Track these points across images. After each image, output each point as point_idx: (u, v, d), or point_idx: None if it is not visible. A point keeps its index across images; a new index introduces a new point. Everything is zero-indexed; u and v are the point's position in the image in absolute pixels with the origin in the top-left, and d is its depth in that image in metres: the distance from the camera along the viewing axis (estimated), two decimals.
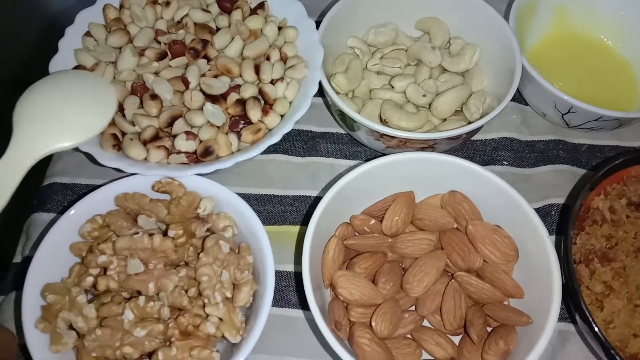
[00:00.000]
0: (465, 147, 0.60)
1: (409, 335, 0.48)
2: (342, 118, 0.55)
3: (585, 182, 0.46)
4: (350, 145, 0.60)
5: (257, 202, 0.57)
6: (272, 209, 0.57)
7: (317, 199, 0.53)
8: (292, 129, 0.60)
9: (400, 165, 0.49)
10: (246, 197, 0.57)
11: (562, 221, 0.55)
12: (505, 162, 0.59)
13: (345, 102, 0.55)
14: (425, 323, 0.49)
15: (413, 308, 0.49)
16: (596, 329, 0.41)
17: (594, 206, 0.48)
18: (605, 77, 0.63)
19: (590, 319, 0.41)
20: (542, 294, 0.44)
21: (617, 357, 0.40)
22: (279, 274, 0.53)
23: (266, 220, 0.56)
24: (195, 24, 0.55)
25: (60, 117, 0.35)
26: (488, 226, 0.48)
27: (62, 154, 0.59)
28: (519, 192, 0.56)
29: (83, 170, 0.58)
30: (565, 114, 0.56)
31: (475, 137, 0.61)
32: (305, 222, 0.55)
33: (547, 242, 0.44)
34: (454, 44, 0.60)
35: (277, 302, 0.52)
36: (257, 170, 0.58)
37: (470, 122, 0.53)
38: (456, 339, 0.48)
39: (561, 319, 0.51)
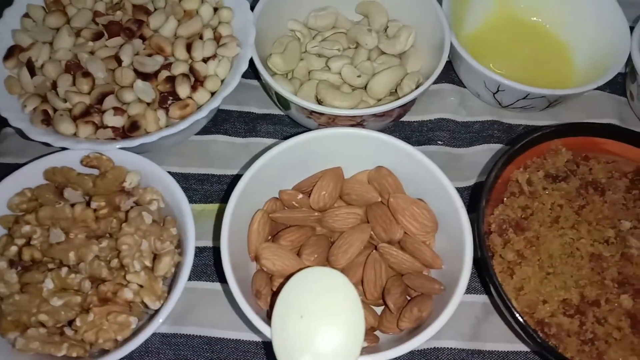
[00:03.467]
0: (403, 128, 0.61)
1: None
2: (277, 97, 0.56)
3: (501, 155, 0.47)
4: (291, 126, 0.61)
5: (196, 181, 0.58)
6: (210, 187, 0.58)
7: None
8: (234, 110, 0.62)
9: (326, 141, 0.50)
10: (186, 177, 0.58)
11: None
12: (440, 142, 0.60)
13: (280, 82, 0.57)
14: None
15: None
16: (496, 290, 0.42)
17: (513, 179, 0.49)
18: (545, 59, 0.64)
19: (497, 285, 0.42)
20: (457, 263, 0.45)
21: (521, 319, 0.41)
22: (215, 250, 0.54)
23: (203, 198, 0.57)
24: (133, 5, 0.56)
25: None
26: (408, 199, 0.49)
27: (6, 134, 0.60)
28: (452, 170, 0.58)
29: (26, 151, 0.59)
30: (496, 92, 0.57)
31: (413, 118, 0.62)
32: None
33: (462, 213, 0.46)
34: (391, 27, 0.62)
35: (209, 276, 0.53)
36: (198, 151, 0.59)
37: None
38: (380, 310, 0.49)
39: (487, 291, 0.52)
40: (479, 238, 0.44)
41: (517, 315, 0.41)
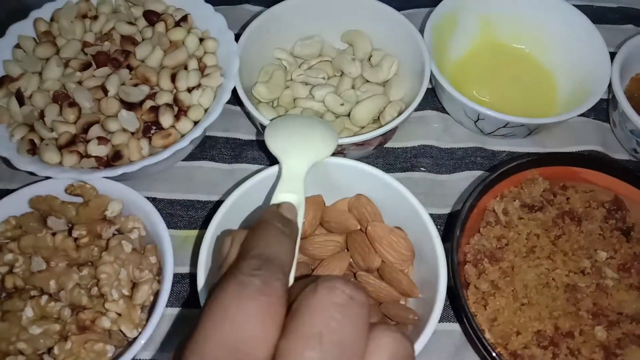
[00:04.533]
0: (387, 154, 0.62)
1: None
2: (260, 125, 0.57)
3: (476, 185, 0.48)
4: None
5: (181, 207, 0.59)
6: (195, 214, 0.58)
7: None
8: (220, 137, 0.63)
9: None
10: (171, 203, 0.59)
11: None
12: (423, 169, 0.61)
13: (264, 110, 0.58)
14: None
15: None
16: (468, 321, 0.42)
17: (489, 208, 0.50)
18: (528, 86, 0.65)
19: (468, 316, 0.42)
20: (433, 293, 0.45)
21: (492, 351, 0.41)
22: (194, 277, 0.55)
23: (188, 224, 0.58)
24: (121, 36, 0.58)
25: (309, 144, 0.47)
26: (386, 227, 0.50)
27: None
28: (435, 197, 0.59)
29: (16, 178, 0.60)
30: (477, 121, 0.57)
31: (397, 145, 0.62)
32: None
33: (437, 243, 0.46)
34: (375, 55, 0.63)
35: (193, 303, 0.54)
36: (184, 177, 0.60)
37: None
38: None
39: (460, 322, 0.52)
40: (452, 268, 0.44)
41: (488, 346, 0.41)
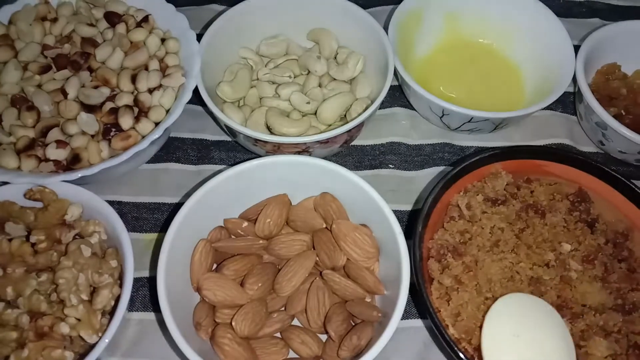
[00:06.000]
0: (355, 152, 0.62)
1: (278, 335, 0.49)
2: (225, 125, 0.56)
3: (438, 180, 0.48)
4: (243, 153, 0.62)
5: (147, 210, 0.58)
6: (161, 216, 0.58)
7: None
8: (187, 138, 0.62)
9: (271, 169, 0.51)
10: (137, 206, 0.58)
11: None
12: (391, 166, 0.60)
13: (229, 110, 0.57)
14: (297, 322, 0.50)
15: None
16: (430, 317, 0.42)
17: (453, 203, 0.49)
18: (495, 81, 0.65)
19: (431, 311, 0.42)
20: (395, 289, 0.45)
21: (454, 346, 0.41)
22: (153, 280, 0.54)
23: (154, 227, 0.57)
24: (82, 38, 0.57)
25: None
26: (351, 225, 0.49)
27: None
28: (403, 193, 0.59)
29: None
30: (442, 116, 0.57)
31: (365, 142, 0.62)
32: None
33: (400, 239, 0.46)
34: (341, 53, 0.62)
35: (158, 307, 0.53)
36: (149, 179, 0.59)
37: None
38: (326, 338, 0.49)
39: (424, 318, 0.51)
40: (414, 264, 0.44)
41: (451, 342, 0.41)
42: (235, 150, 0.62)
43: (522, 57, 0.65)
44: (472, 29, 0.66)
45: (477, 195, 0.49)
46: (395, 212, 0.57)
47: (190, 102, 0.57)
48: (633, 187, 0.48)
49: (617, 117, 0.60)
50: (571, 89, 0.65)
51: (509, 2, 0.64)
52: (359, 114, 0.56)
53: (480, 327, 0.43)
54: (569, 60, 0.59)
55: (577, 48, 0.60)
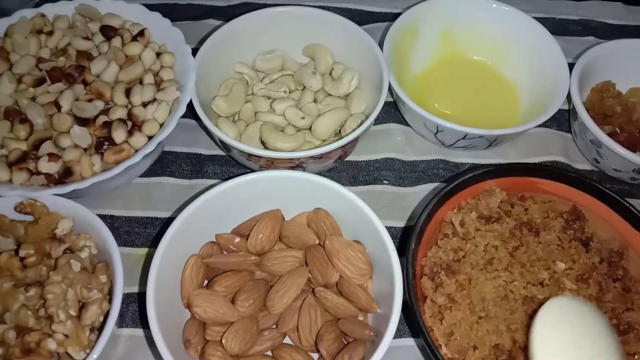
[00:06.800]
0: (350, 167, 0.62)
1: (269, 353, 0.48)
2: (219, 139, 0.56)
3: (432, 197, 0.47)
4: (237, 167, 0.62)
5: (139, 225, 0.57)
6: (153, 231, 0.57)
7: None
8: (181, 152, 0.62)
9: (264, 184, 0.50)
10: (129, 220, 0.57)
11: None
12: (386, 182, 0.60)
13: (224, 125, 0.57)
14: (288, 340, 0.49)
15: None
16: (423, 336, 0.41)
17: (447, 220, 0.49)
18: (490, 98, 0.65)
19: (423, 330, 0.41)
20: (389, 307, 0.44)
21: None
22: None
23: (146, 242, 0.56)
24: (77, 51, 0.57)
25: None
26: (344, 241, 0.49)
27: None
28: (397, 210, 0.58)
29: None
30: (436, 133, 0.57)
31: (360, 158, 0.62)
32: None
33: (393, 256, 0.45)
34: (336, 69, 0.62)
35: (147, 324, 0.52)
36: (142, 193, 0.59)
37: None
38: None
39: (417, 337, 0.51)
40: (407, 282, 0.43)
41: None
42: (229, 164, 0.62)
43: (517, 74, 0.65)
44: (467, 46, 0.67)
45: (471, 212, 0.48)
46: (389, 228, 0.57)
47: (184, 116, 0.57)
48: (627, 205, 0.47)
49: (611, 135, 0.60)
50: (566, 107, 0.65)
51: (504, 20, 0.64)
52: (354, 130, 0.56)
53: (474, 347, 0.43)
54: (564, 78, 0.59)
55: (571, 66, 0.61)
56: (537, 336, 0.40)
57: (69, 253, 0.48)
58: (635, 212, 0.47)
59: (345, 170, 0.61)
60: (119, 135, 0.51)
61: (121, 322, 0.52)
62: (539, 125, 0.60)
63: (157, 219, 0.58)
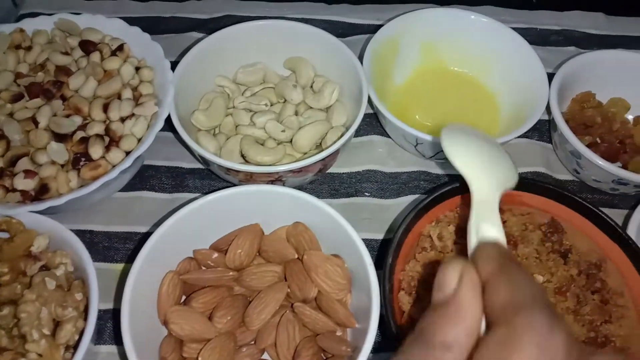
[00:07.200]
0: (332, 179, 0.61)
1: None
2: (198, 154, 0.56)
3: (410, 211, 0.47)
4: (218, 181, 0.61)
5: (119, 240, 0.57)
6: (132, 246, 0.57)
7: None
8: (162, 166, 0.62)
9: (242, 198, 0.50)
10: (108, 235, 0.57)
11: None
12: (367, 194, 0.60)
13: (204, 138, 0.57)
14: (267, 356, 0.49)
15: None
16: None
17: (425, 233, 0.49)
18: (472, 110, 0.65)
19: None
20: (367, 322, 0.44)
21: None
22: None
23: (125, 257, 0.56)
24: (56, 66, 0.57)
25: (500, 169, 0.38)
26: (322, 256, 0.49)
27: None
28: (379, 222, 0.58)
29: None
30: (416, 145, 0.57)
31: (342, 170, 0.62)
32: None
33: (370, 270, 0.45)
34: (317, 82, 0.62)
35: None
36: (122, 208, 0.59)
37: None
38: None
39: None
40: (384, 296, 0.43)
41: None
42: (210, 178, 0.61)
43: (498, 86, 0.65)
44: (448, 58, 0.67)
45: (449, 225, 0.48)
46: (371, 240, 0.57)
47: (165, 130, 0.56)
48: (604, 217, 0.47)
49: (592, 145, 0.60)
50: (547, 117, 0.65)
51: (483, 31, 0.65)
52: (334, 142, 0.56)
53: None
54: (543, 89, 0.59)
55: (553, 76, 0.61)
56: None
57: (45, 270, 0.47)
58: (612, 223, 0.47)
59: (327, 182, 0.61)
60: (95, 151, 0.51)
61: (99, 339, 0.51)
62: (521, 136, 0.60)
63: (136, 234, 0.57)
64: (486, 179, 0.35)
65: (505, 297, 0.22)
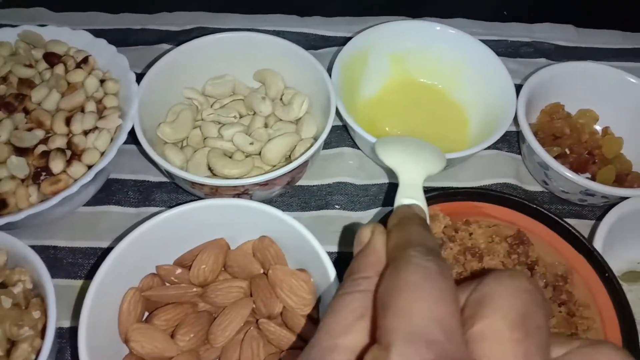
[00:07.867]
0: (302, 192, 0.61)
1: None
2: (162, 167, 0.55)
3: (378, 221, 0.47)
4: (186, 195, 0.60)
5: (83, 256, 0.56)
6: (97, 262, 0.56)
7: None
8: (128, 179, 0.61)
9: (207, 212, 0.49)
10: (73, 251, 0.56)
11: None
12: (337, 206, 0.60)
13: (170, 151, 0.56)
14: None
15: None
16: None
17: None
18: (441, 122, 0.65)
19: None
20: None
21: None
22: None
23: (89, 274, 0.55)
24: (19, 79, 0.56)
25: (423, 158, 0.43)
26: (288, 271, 0.48)
27: None
28: (349, 235, 0.58)
29: None
30: None
31: (313, 182, 0.61)
32: None
33: (334, 285, 0.44)
34: (286, 94, 0.62)
35: None
36: (86, 222, 0.57)
37: None
38: None
39: None
40: None
41: None
42: (177, 192, 0.61)
43: (467, 97, 0.65)
44: (417, 70, 0.67)
45: None
46: (341, 254, 0.57)
47: (132, 143, 0.56)
48: (570, 228, 0.47)
49: (561, 156, 0.61)
50: (516, 129, 0.65)
51: (451, 43, 0.65)
52: (302, 154, 0.56)
53: None
54: (511, 100, 0.59)
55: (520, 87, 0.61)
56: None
57: (3, 288, 0.46)
58: (578, 235, 0.47)
59: (297, 195, 0.61)
60: (56, 165, 0.50)
61: (60, 359, 0.50)
62: (491, 147, 0.60)
63: (101, 249, 0.56)
64: (410, 167, 0.40)
65: (396, 241, 0.28)
